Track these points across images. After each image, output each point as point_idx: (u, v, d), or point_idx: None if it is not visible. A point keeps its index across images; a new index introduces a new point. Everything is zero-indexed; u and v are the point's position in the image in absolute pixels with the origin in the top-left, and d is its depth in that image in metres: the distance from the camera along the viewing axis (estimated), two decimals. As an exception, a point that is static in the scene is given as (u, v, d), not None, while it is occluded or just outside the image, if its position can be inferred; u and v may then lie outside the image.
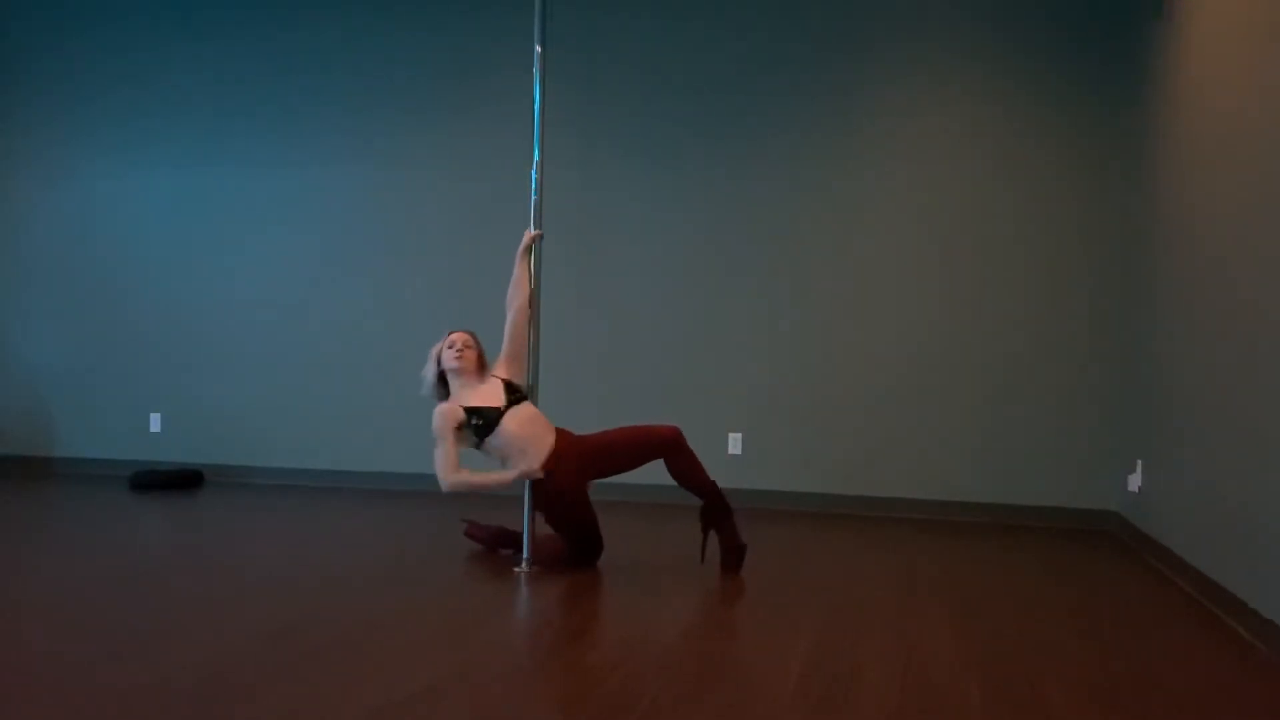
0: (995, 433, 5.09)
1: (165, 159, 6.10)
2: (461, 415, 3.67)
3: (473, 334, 3.85)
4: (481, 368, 3.81)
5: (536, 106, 3.80)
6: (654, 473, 5.46)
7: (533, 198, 3.83)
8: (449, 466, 3.66)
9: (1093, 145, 4.97)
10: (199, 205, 6.06)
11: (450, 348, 3.77)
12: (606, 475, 3.85)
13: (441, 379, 3.81)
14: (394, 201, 5.78)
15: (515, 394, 3.77)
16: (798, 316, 5.30)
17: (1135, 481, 4.55)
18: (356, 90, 5.82)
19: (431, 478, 3.76)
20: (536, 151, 3.80)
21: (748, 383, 5.36)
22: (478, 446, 3.72)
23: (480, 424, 3.66)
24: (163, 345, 6.12)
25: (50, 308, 6.29)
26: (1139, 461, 4.53)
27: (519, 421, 3.68)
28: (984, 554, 4.26)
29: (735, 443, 5.37)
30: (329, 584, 3.50)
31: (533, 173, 3.82)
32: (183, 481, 5.73)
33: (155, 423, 6.14)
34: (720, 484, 5.40)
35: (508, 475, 3.67)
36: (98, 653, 2.67)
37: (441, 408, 3.71)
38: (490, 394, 3.73)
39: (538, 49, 3.78)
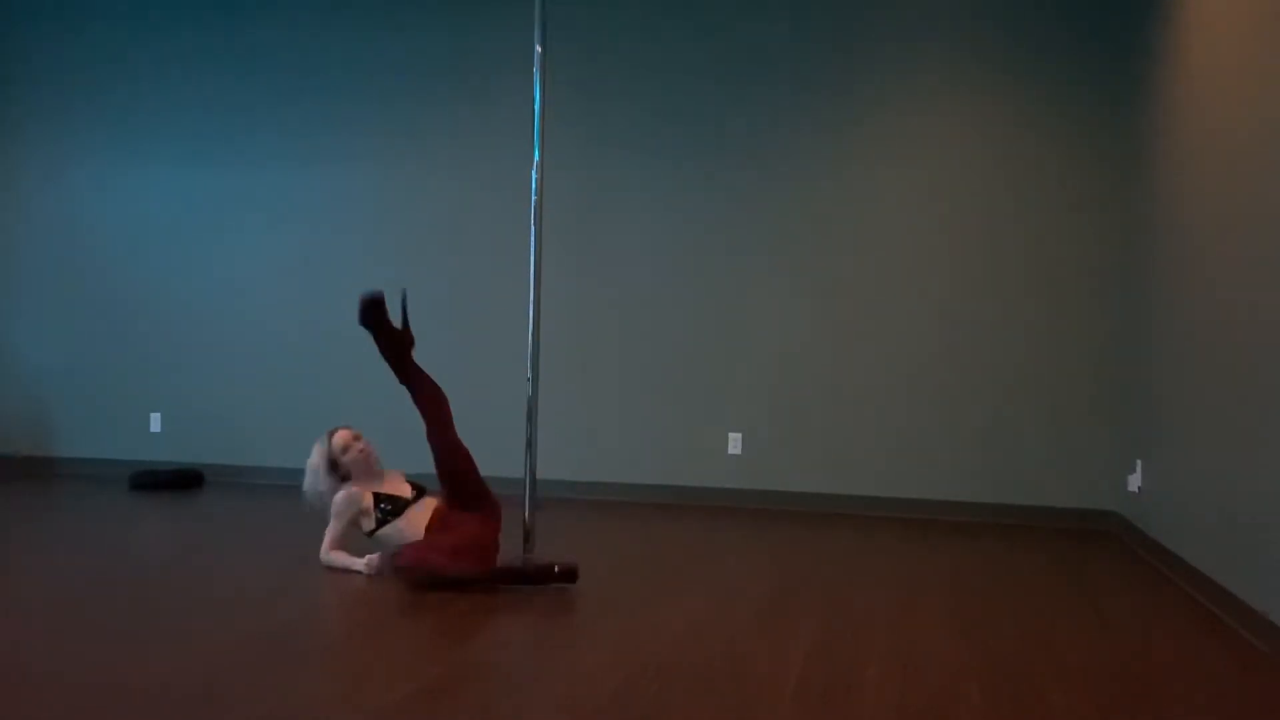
0: (995, 433, 5.09)
1: (165, 158, 6.10)
2: (367, 503, 3.71)
3: (353, 430, 3.89)
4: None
5: (536, 106, 3.80)
6: (653, 474, 5.47)
7: (533, 198, 3.83)
8: (332, 543, 3.71)
9: (1093, 146, 4.97)
10: (199, 205, 6.06)
11: (346, 453, 3.77)
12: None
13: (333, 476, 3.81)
14: (394, 201, 5.78)
15: (419, 490, 3.84)
16: (798, 316, 5.30)
17: (1135, 481, 4.55)
18: (356, 89, 5.83)
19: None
20: (536, 151, 3.80)
21: (748, 383, 5.36)
22: (371, 534, 3.71)
23: (389, 509, 3.69)
24: (163, 345, 6.13)
25: (50, 308, 6.30)
26: (1139, 461, 4.53)
27: (419, 516, 3.70)
28: (984, 554, 4.26)
29: (735, 443, 5.38)
30: (328, 584, 3.50)
31: (533, 173, 3.82)
32: (183, 481, 5.73)
33: (155, 423, 6.14)
34: (720, 484, 5.45)
35: (360, 563, 3.63)
36: (97, 653, 2.67)
37: (351, 492, 3.72)
38: (396, 485, 3.82)
39: (538, 49, 3.78)
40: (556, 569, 3.43)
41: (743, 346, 5.37)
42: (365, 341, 5.83)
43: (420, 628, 2.97)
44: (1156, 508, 4.23)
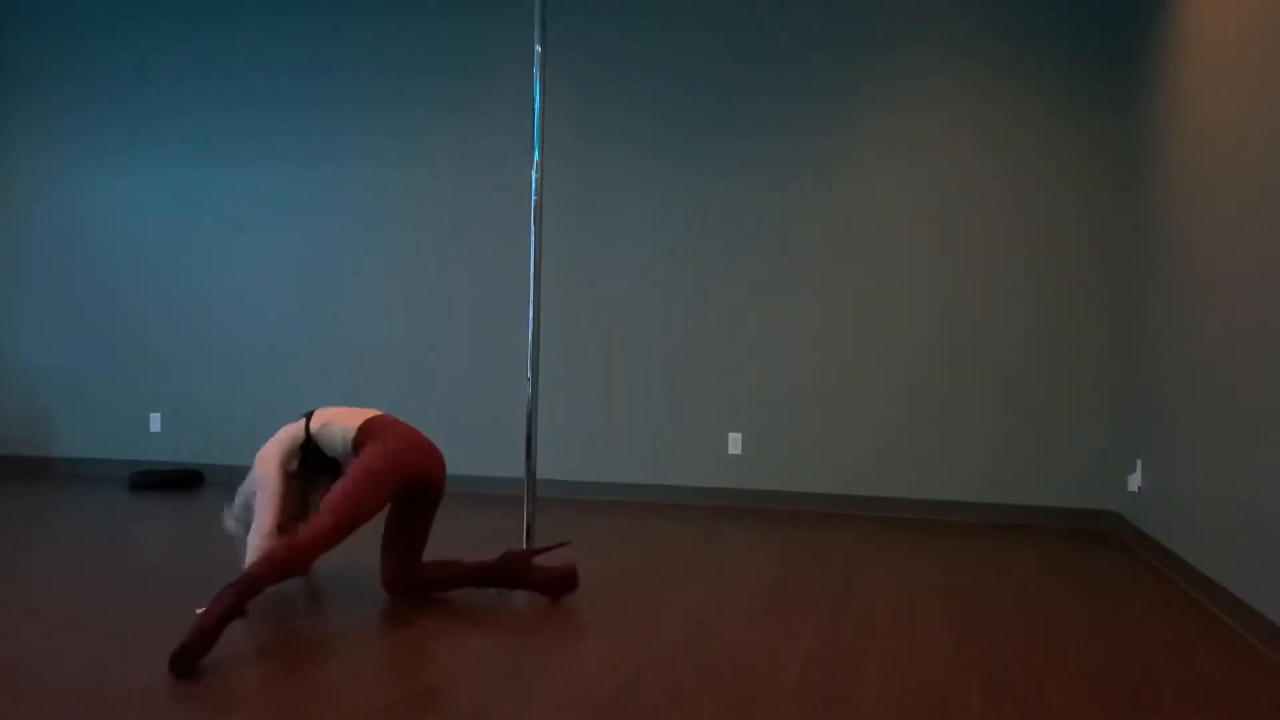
0: (995, 433, 5.09)
1: (165, 159, 6.11)
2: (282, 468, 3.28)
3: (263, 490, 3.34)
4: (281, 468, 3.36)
5: (536, 106, 3.80)
6: (653, 474, 5.47)
7: (533, 198, 3.83)
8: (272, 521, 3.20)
9: (1093, 146, 4.97)
10: (199, 205, 6.06)
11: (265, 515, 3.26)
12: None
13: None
14: (394, 202, 5.79)
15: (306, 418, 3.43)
16: (798, 316, 5.30)
17: (1135, 481, 4.55)
18: (355, 90, 5.83)
19: None
20: (536, 152, 3.80)
21: (748, 383, 5.36)
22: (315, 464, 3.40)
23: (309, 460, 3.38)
24: (163, 345, 6.13)
25: (50, 308, 6.30)
26: (1139, 461, 4.53)
27: (332, 414, 3.37)
28: (984, 554, 4.26)
29: (735, 443, 5.38)
30: (327, 584, 3.50)
31: (533, 173, 3.82)
32: (183, 481, 5.73)
33: (155, 423, 6.14)
34: (720, 484, 5.46)
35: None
36: (97, 654, 2.67)
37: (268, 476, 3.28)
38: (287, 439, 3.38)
39: (538, 49, 3.78)
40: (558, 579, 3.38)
41: (742, 346, 5.37)
42: (365, 342, 5.84)
43: (419, 627, 2.97)
44: (1156, 508, 4.23)
